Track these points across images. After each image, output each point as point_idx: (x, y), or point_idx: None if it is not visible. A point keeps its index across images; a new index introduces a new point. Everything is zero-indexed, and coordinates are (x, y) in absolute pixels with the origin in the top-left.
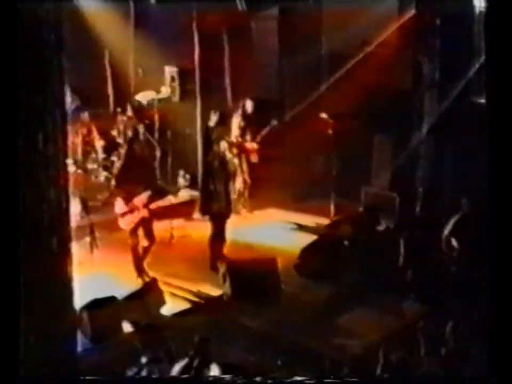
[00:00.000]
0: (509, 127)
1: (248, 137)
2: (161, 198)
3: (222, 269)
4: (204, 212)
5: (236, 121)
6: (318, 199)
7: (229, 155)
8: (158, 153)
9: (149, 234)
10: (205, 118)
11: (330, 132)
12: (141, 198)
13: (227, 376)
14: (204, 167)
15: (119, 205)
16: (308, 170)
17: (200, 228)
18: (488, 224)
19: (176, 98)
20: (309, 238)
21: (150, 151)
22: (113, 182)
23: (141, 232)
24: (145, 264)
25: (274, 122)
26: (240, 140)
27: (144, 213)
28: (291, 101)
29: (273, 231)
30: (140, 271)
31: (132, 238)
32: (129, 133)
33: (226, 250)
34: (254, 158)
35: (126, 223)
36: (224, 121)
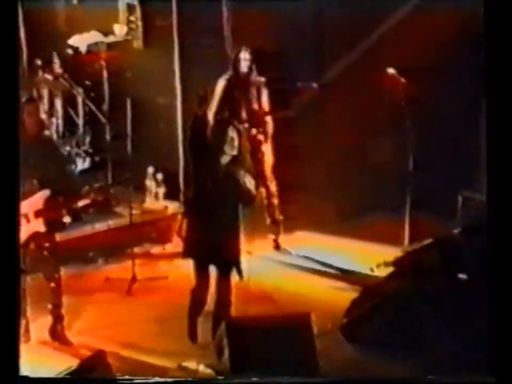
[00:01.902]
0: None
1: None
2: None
3: (219, 334)
4: (188, 254)
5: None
6: (379, 212)
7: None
8: (107, 136)
9: (51, 267)
10: (190, 79)
11: (401, 97)
12: (33, 201)
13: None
14: (196, 187)
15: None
16: (362, 165)
17: (183, 266)
18: None
19: (138, 42)
20: (364, 282)
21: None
22: None
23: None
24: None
25: (313, 85)
26: (252, 129)
27: (37, 226)
28: (331, 54)
29: (303, 268)
30: (55, 336)
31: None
32: (58, 102)
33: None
34: (269, 154)
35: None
36: (227, 103)
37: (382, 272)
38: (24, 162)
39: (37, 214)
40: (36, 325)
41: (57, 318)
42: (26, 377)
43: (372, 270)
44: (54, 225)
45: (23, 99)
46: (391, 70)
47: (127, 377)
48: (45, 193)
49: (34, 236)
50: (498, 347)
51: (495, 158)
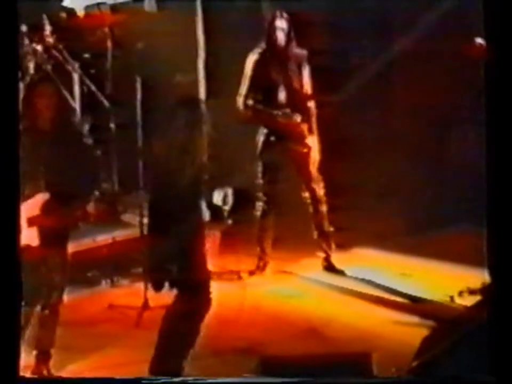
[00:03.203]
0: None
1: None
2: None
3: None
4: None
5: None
6: (460, 224)
7: None
8: (112, 124)
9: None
10: (216, 51)
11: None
12: (27, 206)
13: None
14: None
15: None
16: (436, 164)
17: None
18: None
19: (151, 3)
20: (440, 314)
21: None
22: None
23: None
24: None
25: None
26: (294, 116)
27: (31, 239)
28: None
29: (360, 294)
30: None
31: None
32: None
33: (258, 332)
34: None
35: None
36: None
37: (466, 301)
38: (32, 157)
39: (31, 221)
40: None
41: (43, 357)
42: (26, 377)
43: (451, 298)
44: (52, 237)
45: (35, 78)
46: (479, 40)
47: (128, 377)
48: (44, 196)
49: (26, 250)
50: (498, 347)
51: None
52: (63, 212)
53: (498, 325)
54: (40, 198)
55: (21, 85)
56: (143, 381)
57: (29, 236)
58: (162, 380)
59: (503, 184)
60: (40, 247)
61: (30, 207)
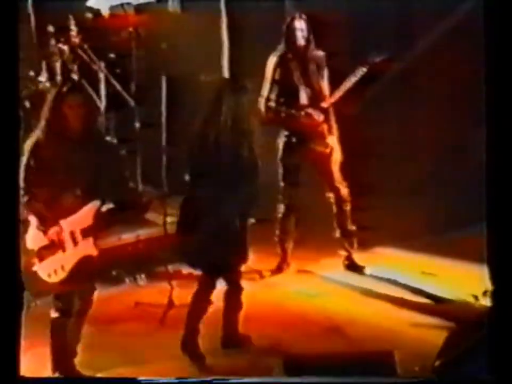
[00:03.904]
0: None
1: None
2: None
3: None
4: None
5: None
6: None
7: None
8: (137, 124)
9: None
10: (240, 51)
11: None
12: (80, 217)
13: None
14: None
15: (34, 233)
16: (459, 164)
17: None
18: None
19: (175, 4)
20: (464, 313)
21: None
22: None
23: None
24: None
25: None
26: (317, 115)
27: (88, 249)
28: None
29: (382, 293)
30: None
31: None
32: (74, 77)
33: (280, 331)
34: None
35: (46, 270)
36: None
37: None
38: (64, 166)
39: (86, 232)
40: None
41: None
42: (26, 377)
43: (476, 298)
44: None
45: (64, 88)
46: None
47: (129, 377)
48: (95, 205)
49: (82, 264)
50: (498, 347)
51: None
52: (117, 218)
53: (498, 325)
54: (92, 207)
55: (48, 85)
56: (143, 381)
57: (86, 247)
58: (163, 380)
59: None
60: (99, 257)
61: (82, 218)
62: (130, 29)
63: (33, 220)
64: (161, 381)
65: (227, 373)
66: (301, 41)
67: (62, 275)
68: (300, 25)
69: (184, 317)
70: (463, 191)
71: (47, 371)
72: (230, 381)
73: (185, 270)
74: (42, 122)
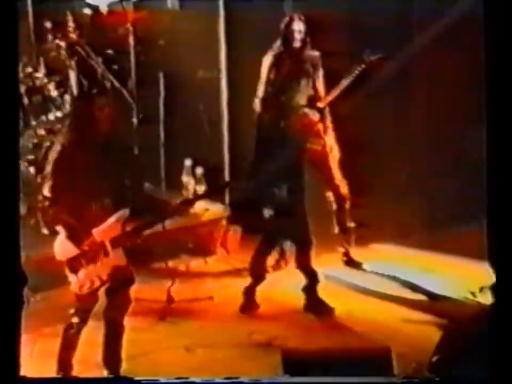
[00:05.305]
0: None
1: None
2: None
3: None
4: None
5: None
6: (481, 221)
7: None
8: (134, 120)
9: (124, 303)
10: (238, 48)
11: None
12: (110, 226)
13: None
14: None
15: (62, 243)
16: (457, 161)
17: (231, 284)
18: None
19: (173, 1)
20: (460, 310)
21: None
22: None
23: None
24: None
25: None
26: (313, 114)
27: (119, 259)
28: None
29: (379, 288)
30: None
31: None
32: (72, 76)
33: (279, 326)
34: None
35: (80, 284)
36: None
37: (487, 298)
38: (91, 173)
39: (115, 242)
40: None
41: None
42: (26, 377)
43: (473, 294)
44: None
45: (94, 91)
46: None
47: (130, 377)
48: (124, 213)
49: (115, 273)
50: (498, 346)
51: None
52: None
53: (498, 326)
54: (121, 215)
55: (46, 81)
56: (143, 381)
57: (116, 257)
58: (163, 380)
59: None
60: (128, 265)
61: (111, 228)
62: (128, 26)
63: (61, 230)
64: (161, 381)
65: (224, 367)
66: (298, 43)
67: (96, 286)
68: (299, 26)
69: (185, 312)
70: (461, 188)
71: (46, 368)
72: (230, 381)
73: (183, 265)
74: (66, 129)
